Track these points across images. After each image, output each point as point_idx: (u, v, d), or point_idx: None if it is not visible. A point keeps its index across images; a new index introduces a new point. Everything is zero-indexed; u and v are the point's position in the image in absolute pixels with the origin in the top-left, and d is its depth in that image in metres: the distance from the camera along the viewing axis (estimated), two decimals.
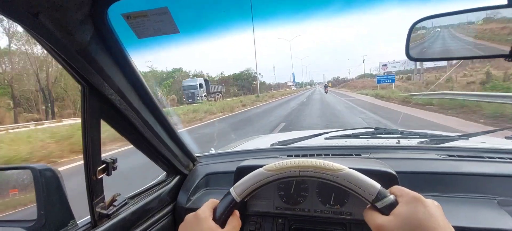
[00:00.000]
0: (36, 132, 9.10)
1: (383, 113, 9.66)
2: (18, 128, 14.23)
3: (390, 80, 24.92)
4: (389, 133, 1.30)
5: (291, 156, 1.13)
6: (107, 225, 0.74)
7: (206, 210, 0.57)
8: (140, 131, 0.80)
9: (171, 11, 0.57)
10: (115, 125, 0.75)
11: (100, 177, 0.71)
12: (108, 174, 0.73)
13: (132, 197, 0.89)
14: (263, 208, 0.88)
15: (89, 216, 0.72)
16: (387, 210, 0.50)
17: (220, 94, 36.23)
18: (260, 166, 0.62)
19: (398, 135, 1.27)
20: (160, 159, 0.97)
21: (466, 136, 1.21)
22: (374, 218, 0.50)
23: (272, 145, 1.33)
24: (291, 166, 0.59)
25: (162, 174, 1.10)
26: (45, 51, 0.56)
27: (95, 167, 0.69)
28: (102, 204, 0.74)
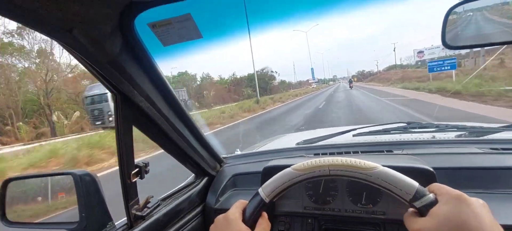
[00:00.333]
0: None
1: None
2: None
3: (449, 67, 17.49)
4: (423, 127, 1.22)
5: (318, 154, 1.10)
6: (142, 226, 0.77)
7: (235, 211, 0.57)
8: (169, 135, 0.83)
9: (194, 16, 0.58)
10: (146, 130, 0.78)
11: (134, 180, 0.75)
12: (141, 177, 0.77)
13: (163, 199, 0.92)
14: (291, 208, 0.87)
15: (125, 218, 0.76)
16: (426, 209, 0.47)
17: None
18: (287, 166, 0.61)
19: (433, 129, 1.19)
20: (189, 161, 1.00)
21: (510, 127, 1.10)
22: (413, 221, 0.48)
23: (297, 143, 1.31)
24: (320, 165, 0.58)
25: (191, 176, 1.13)
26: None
27: (129, 171, 0.73)
28: (136, 206, 0.77)
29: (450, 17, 0.67)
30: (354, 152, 1.05)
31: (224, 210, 0.58)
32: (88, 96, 15.94)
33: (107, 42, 0.55)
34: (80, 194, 0.75)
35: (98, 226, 0.75)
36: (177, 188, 1.02)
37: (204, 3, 0.56)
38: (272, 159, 1.00)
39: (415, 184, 0.49)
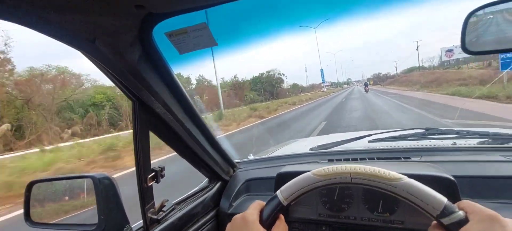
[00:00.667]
0: None
1: None
2: None
3: None
4: (443, 133, 1.17)
5: (332, 160, 1.08)
6: (157, 229, 0.79)
7: (254, 212, 0.57)
8: (184, 140, 0.85)
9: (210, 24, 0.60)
10: (162, 136, 0.80)
11: (150, 184, 0.76)
12: (157, 181, 0.79)
13: (178, 203, 0.94)
14: (305, 214, 0.86)
15: (141, 221, 0.78)
16: (455, 227, 0.44)
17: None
18: (301, 172, 0.61)
19: (454, 135, 1.14)
20: (202, 165, 1.01)
21: None
22: None
23: (311, 149, 1.30)
24: (342, 172, 0.56)
25: (204, 180, 1.15)
26: None
27: (146, 175, 0.75)
28: (152, 209, 0.79)
29: (470, 20, 0.65)
30: (369, 158, 1.02)
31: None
32: None
33: (127, 52, 0.57)
34: (99, 197, 0.77)
35: (116, 228, 0.77)
36: (191, 192, 1.03)
37: (220, 12, 0.57)
38: (285, 164, 0.99)
39: (444, 199, 0.48)
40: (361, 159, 1.03)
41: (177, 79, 0.73)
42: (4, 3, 0.39)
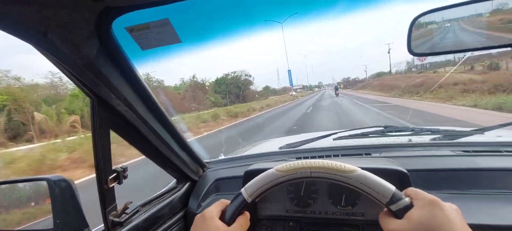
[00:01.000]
0: None
1: None
2: None
3: None
4: (400, 131, 1.27)
5: (300, 158, 1.12)
6: None
7: (213, 209, 0.58)
8: (149, 139, 0.82)
9: (172, 22, 0.59)
10: (124, 134, 0.77)
11: (111, 185, 0.73)
12: (119, 183, 0.76)
13: (143, 205, 0.91)
14: (273, 211, 0.88)
15: (103, 224, 0.74)
16: (401, 213, 0.48)
17: None
18: (268, 169, 0.62)
19: (409, 133, 1.24)
20: (170, 166, 0.99)
21: (481, 130, 1.17)
22: (388, 221, 0.50)
23: (280, 148, 1.33)
24: (302, 167, 0.59)
25: (173, 181, 1.12)
26: None
27: (107, 176, 0.72)
28: (114, 212, 0.76)
29: (429, 27, 0.71)
30: (334, 155, 1.08)
31: None
32: None
33: (84, 46, 0.55)
34: (55, 200, 0.73)
35: None
36: (157, 193, 1.01)
37: (183, 8, 0.57)
38: (255, 163, 1.01)
39: (392, 187, 0.51)
40: (326, 156, 1.08)
41: (140, 76, 0.70)
42: None
